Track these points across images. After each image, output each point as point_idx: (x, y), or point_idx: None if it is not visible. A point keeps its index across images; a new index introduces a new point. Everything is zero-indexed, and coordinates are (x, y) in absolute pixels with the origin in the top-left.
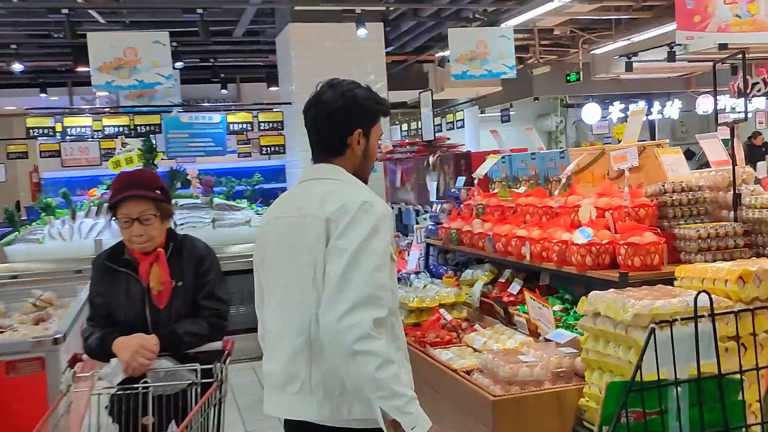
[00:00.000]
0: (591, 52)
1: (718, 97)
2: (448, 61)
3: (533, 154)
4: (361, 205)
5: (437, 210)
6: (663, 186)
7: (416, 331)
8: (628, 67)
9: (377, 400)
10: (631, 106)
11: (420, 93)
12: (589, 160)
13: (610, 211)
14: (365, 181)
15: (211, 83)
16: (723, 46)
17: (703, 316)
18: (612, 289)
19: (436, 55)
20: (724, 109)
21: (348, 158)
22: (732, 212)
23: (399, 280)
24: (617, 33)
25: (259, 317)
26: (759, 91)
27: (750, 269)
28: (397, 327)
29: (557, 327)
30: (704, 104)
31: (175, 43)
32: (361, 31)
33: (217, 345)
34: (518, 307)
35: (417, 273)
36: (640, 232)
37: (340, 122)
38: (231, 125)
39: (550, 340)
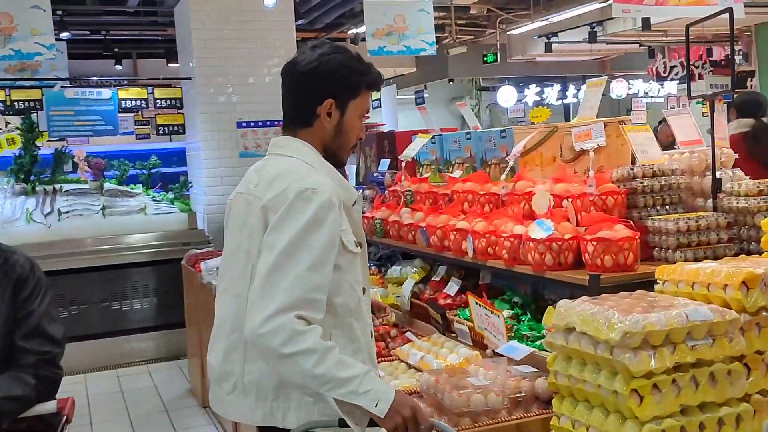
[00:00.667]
0: (508, 33)
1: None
2: (363, 39)
3: (468, 133)
4: (300, 192)
5: None
6: (632, 170)
7: None
8: (548, 48)
9: (328, 394)
10: (547, 89)
11: None
12: (538, 139)
13: (570, 200)
14: (339, 160)
15: (103, 58)
16: (646, 25)
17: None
18: (585, 297)
19: (350, 32)
20: (638, 93)
21: (316, 131)
22: (709, 201)
23: None
24: (535, 13)
25: None
26: (677, 74)
27: (755, 272)
28: (358, 328)
29: (509, 338)
30: (618, 88)
31: (60, 12)
32: (269, 1)
33: (49, 407)
34: (458, 311)
35: None
36: (610, 225)
37: (309, 88)
38: (123, 102)
39: (501, 355)
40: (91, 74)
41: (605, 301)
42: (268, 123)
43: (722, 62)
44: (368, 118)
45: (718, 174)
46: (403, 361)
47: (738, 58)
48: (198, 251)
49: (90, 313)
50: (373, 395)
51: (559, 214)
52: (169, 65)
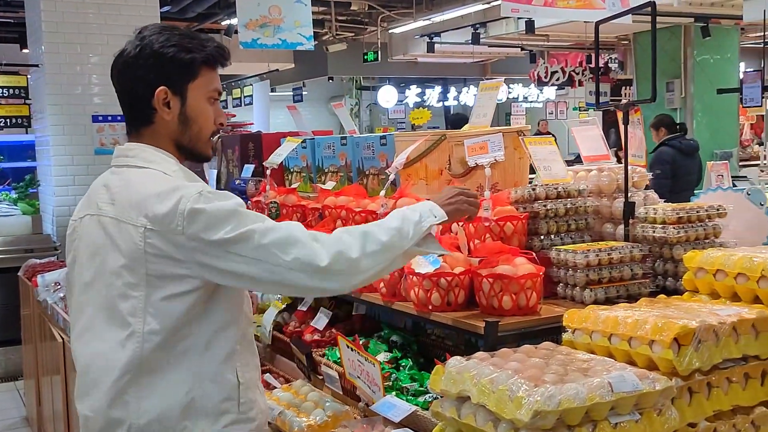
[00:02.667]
0: (389, 31)
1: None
2: (236, 32)
3: (344, 138)
4: (199, 196)
5: None
6: (533, 190)
7: None
8: (430, 48)
9: (404, 246)
10: (428, 91)
11: None
12: (424, 149)
13: (461, 225)
14: (200, 155)
15: None
16: (530, 28)
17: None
18: (481, 355)
19: (223, 23)
20: (518, 97)
21: (160, 128)
22: (620, 227)
23: None
24: (418, 12)
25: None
26: (557, 80)
27: (689, 325)
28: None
29: (386, 390)
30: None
31: None
32: None
33: None
34: (326, 351)
35: None
36: (509, 257)
37: (136, 79)
38: None
39: (376, 413)
40: None
41: (507, 361)
42: None
43: (601, 69)
44: (218, 99)
45: (630, 196)
46: None
47: (613, 66)
48: (38, 261)
49: None
50: (425, 215)
51: (447, 242)
52: (23, 51)
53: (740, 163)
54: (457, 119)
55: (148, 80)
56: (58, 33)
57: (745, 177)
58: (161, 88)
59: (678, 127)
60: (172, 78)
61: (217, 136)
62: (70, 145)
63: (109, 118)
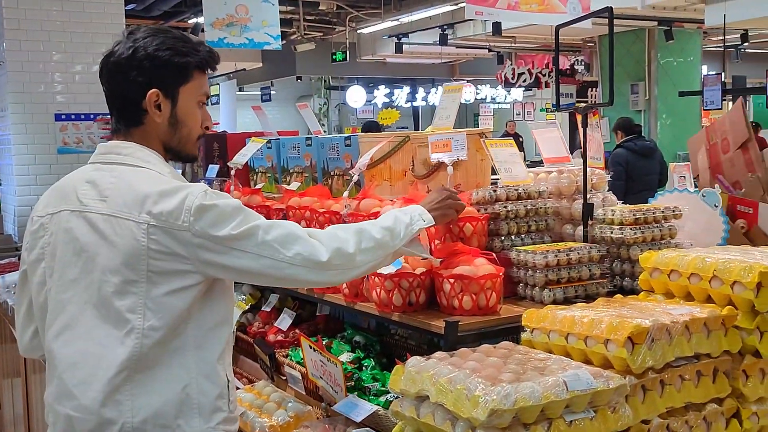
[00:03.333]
0: (358, 31)
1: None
2: (202, 30)
3: (308, 139)
4: (204, 194)
5: None
6: (494, 191)
7: None
8: (398, 49)
9: (396, 244)
10: (397, 91)
11: None
12: (387, 149)
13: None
14: (188, 156)
15: None
16: (497, 30)
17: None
18: (440, 355)
19: (189, 21)
20: (485, 98)
21: (149, 129)
22: (579, 228)
23: None
24: (386, 12)
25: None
26: (524, 81)
27: (642, 324)
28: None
29: (348, 390)
30: (466, 93)
31: None
32: None
33: None
34: (290, 351)
35: None
36: (470, 257)
37: (128, 81)
38: None
39: (338, 413)
40: None
41: (465, 360)
42: (91, 116)
43: (567, 71)
44: (206, 102)
45: (589, 198)
46: None
47: (579, 68)
48: None
49: None
50: (415, 218)
51: None
52: None
53: None
54: (369, 125)
55: (140, 82)
56: (19, 30)
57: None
58: (153, 90)
59: (633, 129)
60: (165, 81)
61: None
62: (33, 144)
63: (73, 117)
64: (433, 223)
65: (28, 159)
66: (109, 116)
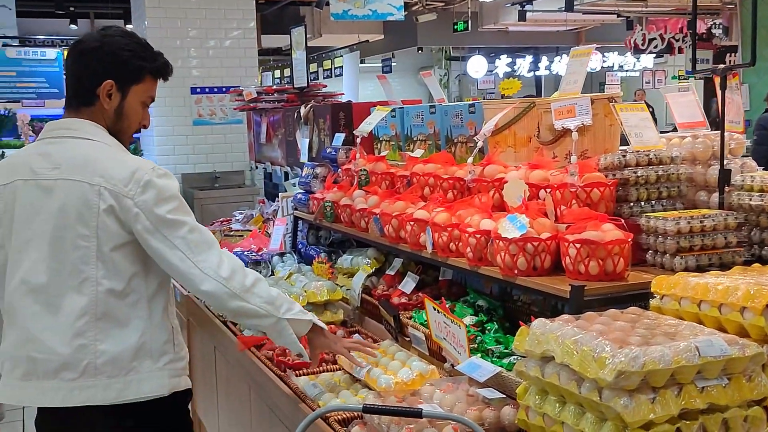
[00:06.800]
0: (480, 0)
1: (606, 54)
2: (327, 2)
3: (432, 107)
4: (151, 172)
5: (309, 175)
6: (624, 156)
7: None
8: (521, 17)
9: (274, 313)
10: (519, 61)
11: (291, 29)
12: (512, 116)
13: (548, 191)
14: (123, 145)
15: (56, 17)
16: None
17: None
18: (566, 317)
19: None
20: (612, 66)
21: (97, 111)
22: (714, 195)
23: (258, 263)
24: None
25: None
26: (656, 47)
27: None
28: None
29: (471, 352)
30: (591, 61)
31: None
32: None
33: None
34: (413, 313)
35: (282, 255)
36: (597, 223)
37: (89, 67)
38: None
39: (460, 373)
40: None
41: (592, 323)
42: (224, 89)
43: (703, 35)
44: (150, 104)
45: (726, 164)
46: (347, 372)
47: (717, 32)
48: None
49: None
50: (306, 313)
51: (535, 208)
52: (127, 26)
53: None
54: None
55: (100, 71)
56: (159, 8)
57: None
58: (109, 81)
59: None
60: (121, 76)
61: (309, 105)
62: (171, 116)
63: (207, 90)
64: (313, 326)
65: (166, 130)
66: (235, 88)
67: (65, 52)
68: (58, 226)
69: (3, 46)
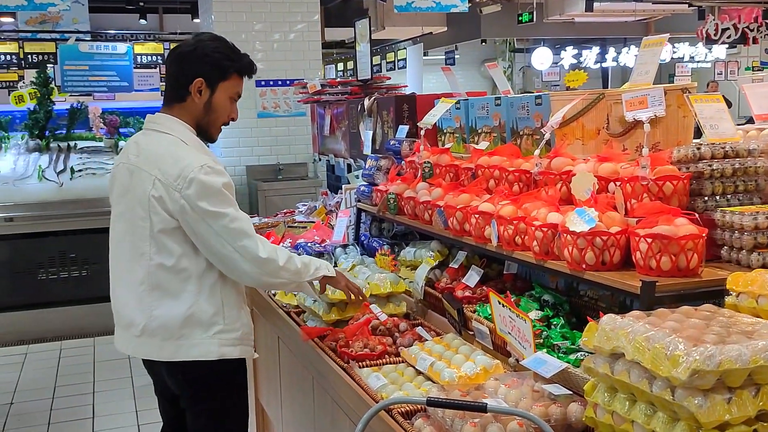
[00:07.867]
0: None
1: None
2: None
3: (498, 98)
4: (198, 170)
5: (372, 167)
6: (698, 149)
7: (338, 334)
8: (589, 7)
9: (299, 280)
10: (585, 52)
11: (355, 22)
12: (580, 108)
13: (618, 184)
14: (210, 137)
15: (126, 12)
16: None
17: None
18: (636, 313)
19: None
20: (683, 57)
21: (188, 107)
22: None
23: (321, 254)
24: None
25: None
26: (729, 37)
27: None
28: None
29: (537, 347)
30: (662, 52)
31: None
32: None
33: None
34: (477, 307)
35: (344, 246)
36: (669, 217)
37: (183, 67)
38: (139, 57)
39: (525, 368)
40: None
41: (664, 320)
42: (287, 82)
43: None
44: (237, 99)
45: None
46: (410, 365)
47: None
48: None
49: (102, 274)
50: (321, 267)
51: (604, 202)
52: (194, 20)
53: None
54: None
55: (192, 71)
56: (225, 2)
57: None
58: (199, 78)
59: None
60: (210, 74)
61: (372, 98)
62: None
63: (271, 82)
64: (334, 276)
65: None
66: (299, 81)
67: (134, 46)
68: (131, 206)
69: (76, 40)
